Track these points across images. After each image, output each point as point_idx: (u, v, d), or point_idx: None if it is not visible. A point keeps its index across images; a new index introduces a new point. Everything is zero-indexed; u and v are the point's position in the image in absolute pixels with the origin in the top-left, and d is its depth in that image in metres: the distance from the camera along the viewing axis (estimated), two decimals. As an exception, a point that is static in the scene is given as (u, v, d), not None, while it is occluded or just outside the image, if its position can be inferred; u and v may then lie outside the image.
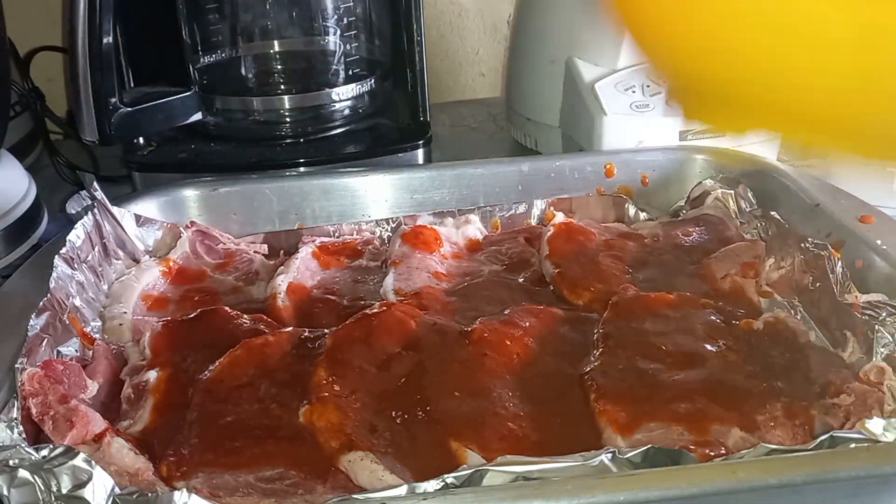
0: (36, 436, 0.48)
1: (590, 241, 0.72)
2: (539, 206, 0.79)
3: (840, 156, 0.69)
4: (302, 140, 0.91)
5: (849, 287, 0.59)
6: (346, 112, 0.93)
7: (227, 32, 0.95)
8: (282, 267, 0.69)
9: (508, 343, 0.57)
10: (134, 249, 0.70)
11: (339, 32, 0.96)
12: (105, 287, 0.65)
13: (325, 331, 0.58)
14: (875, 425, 0.44)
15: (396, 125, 0.93)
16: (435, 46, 1.22)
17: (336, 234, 0.77)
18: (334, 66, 0.96)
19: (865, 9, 0.38)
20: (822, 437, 0.44)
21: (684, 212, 0.78)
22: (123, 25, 0.82)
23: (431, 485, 0.41)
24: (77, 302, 0.60)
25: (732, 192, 0.75)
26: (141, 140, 0.88)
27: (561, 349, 0.58)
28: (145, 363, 0.57)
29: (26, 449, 0.41)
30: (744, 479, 0.41)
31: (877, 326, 0.55)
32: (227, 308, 0.63)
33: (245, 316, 0.62)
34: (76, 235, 0.63)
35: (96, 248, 0.65)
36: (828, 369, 0.55)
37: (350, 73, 0.95)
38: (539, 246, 0.72)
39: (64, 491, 0.40)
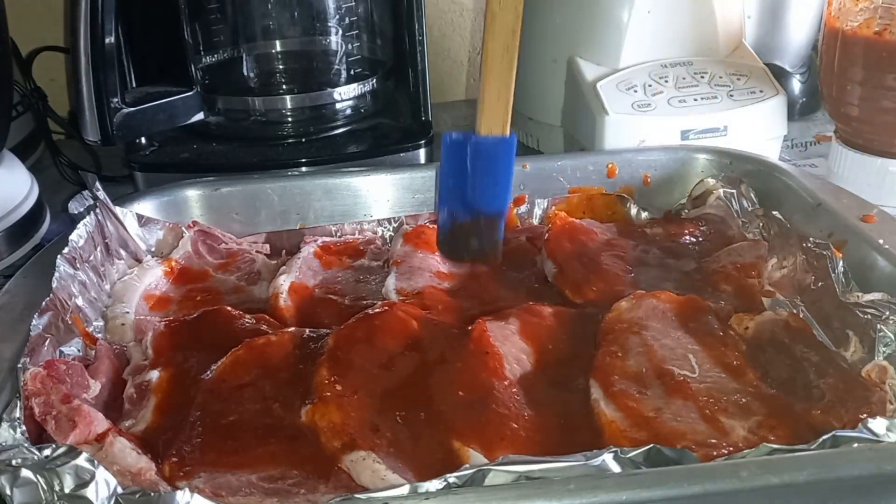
0: (38, 435, 0.47)
1: (591, 240, 0.72)
2: (541, 205, 0.79)
3: None
4: (304, 140, 0.91)
5: (851, 287, 0.59)
6: (348, 112, 0.93)
7: (229, 32, 0.95)
8: (284, 267, 0.69)
9: (510, 343, 0.57)
10: (136, 249, 0.70)
11: (340, 32, 0.96)
12: (107, 287, 0.65)
13: (327, 330, 0.58)
14: (878, 425, 0.44)
15: (398, 125, 0.93)
16: (437, 46, 1.22)
17: (338, 234, 0.77)
18: (336, 66, 0.96)
19: None
20: (825, 437, 0.44)
21: (686, 211, 0.78)
22: (125, 25, 0.82)
23: (434, 484, 0.41)
24: (79, 302, 0.60)
25: (734, 191, 0.75)
26: (143, 140, 0.89)
27: (563, 348, 0.58)
28: (147, 363, 0.57)
29: (29, 448, 0.41)
30: (746, 479, 0.41)
31: (879, 326, 0.55)
32: (229, 308, 0.63)
33: (247, 316, 0.62)
34: (78, 235, 0.63)
35: (98, 248, 0.65)
36: (830, 369, 0.55)
37: (352, 72, 0.96)
38: (541, 245, 0.72)
39: (66, 490, 0.40)
